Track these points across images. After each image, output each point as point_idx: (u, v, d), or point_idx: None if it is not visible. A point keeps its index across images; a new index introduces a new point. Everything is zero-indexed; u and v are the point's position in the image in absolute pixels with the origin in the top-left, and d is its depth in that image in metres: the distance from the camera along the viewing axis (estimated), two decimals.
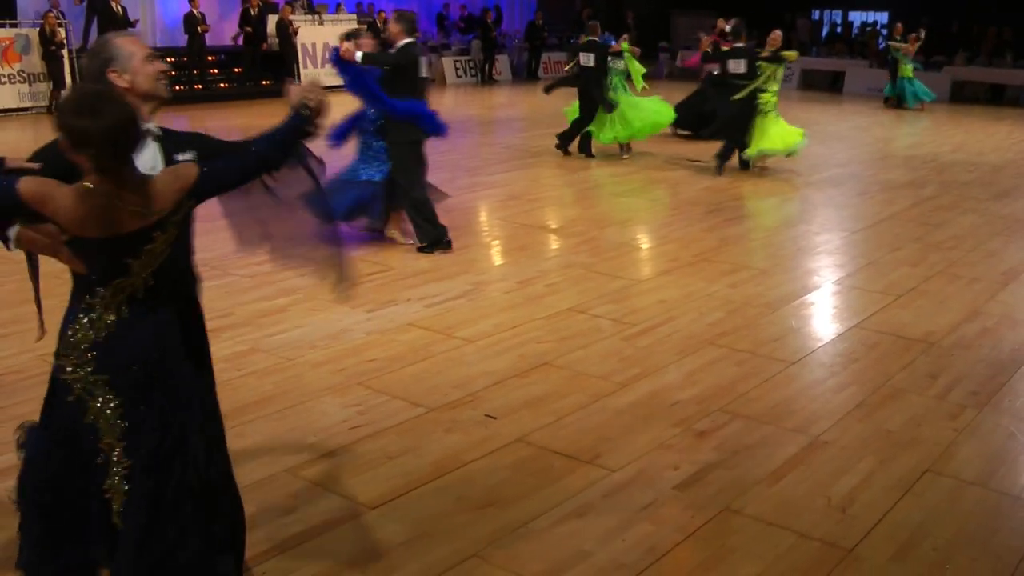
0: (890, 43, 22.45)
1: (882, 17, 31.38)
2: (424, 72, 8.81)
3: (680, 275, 8.15)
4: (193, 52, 20.59)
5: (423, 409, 5.37)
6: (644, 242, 9.27)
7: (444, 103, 21.83)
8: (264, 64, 21.95)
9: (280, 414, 5.27)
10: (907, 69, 21.68)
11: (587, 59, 13.31)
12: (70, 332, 3.10)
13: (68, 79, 18.48)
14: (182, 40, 20.83)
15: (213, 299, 7.10)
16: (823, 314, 7.50)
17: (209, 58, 21.38)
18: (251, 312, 6.94)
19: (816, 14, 33.06)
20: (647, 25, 30.46)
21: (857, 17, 32.29)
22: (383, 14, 23.94)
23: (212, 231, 9.33)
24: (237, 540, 3.48)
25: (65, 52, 18.31)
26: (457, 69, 26.06)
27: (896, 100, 22.27)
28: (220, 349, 6.13)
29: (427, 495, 4.48)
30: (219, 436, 3.54)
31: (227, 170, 3.34)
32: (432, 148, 14.57)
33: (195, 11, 20.22)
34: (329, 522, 4.23)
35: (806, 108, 20.77)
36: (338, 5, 24.50)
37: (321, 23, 23.18)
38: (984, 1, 27.94)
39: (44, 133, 16.02)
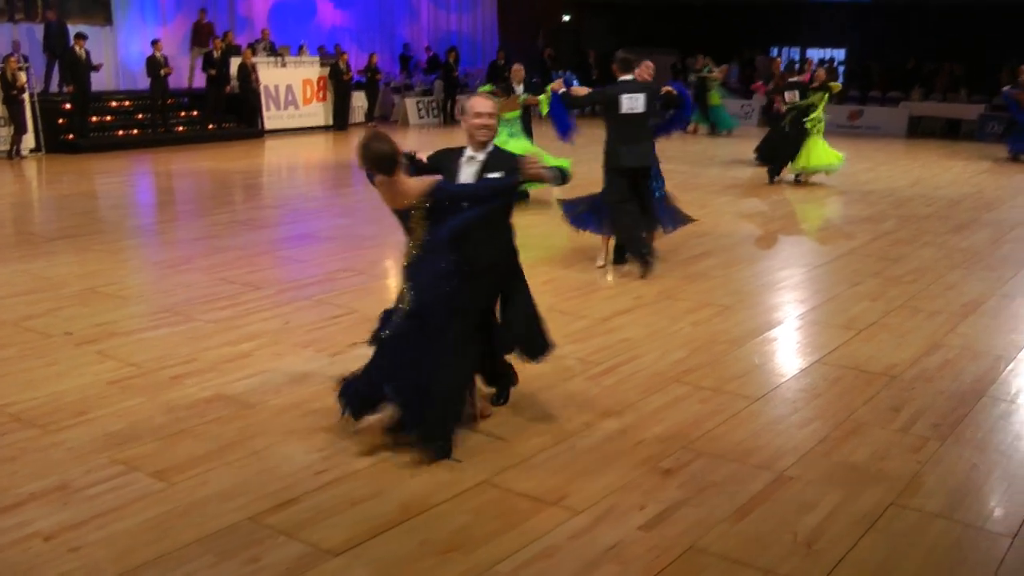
0: (701, 73, 23.81)
1: (839, 54, 31.82)
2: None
3: (644, 313, 8.17)
4: (156, 95, 20.53)
5: (388, 453, 5.34)
6: (607, 281, 9.29)
7: (407, 143, 21.84)
8: (228, 107, 21.92)
9: (243, 461, 5.23)
10: (715, 96, 23.39)
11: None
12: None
13: (29, 123, 18.36)
14: (145, 83, 20.77)
15: (176, 345, 7.11)
16: (786, 350, 7.54)
17: (171, 101, 21.32)
18: (215, 358, 6.89)
19: (774, 51, 33.46)
20: (609, 64, 30.72)
21: (815, 54, 32.68)
22: (346, 56, 23.98)
23: (173, 275, 9.34)
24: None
25: (27, 96, 18.19)
26: (420, 109, 26.14)
27: (711, 127, 23.91)
28: (183, 396, 6.13)
29: (392, 539, 4.46)
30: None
31: (460, 190, 5.35)
32: None
33: (158, 54, 20.19)
34: (293, 570, 4.19)
35: None
36: (300, 47, 24.53)
37: (284, 65, 23.21)
38: (938, 39, 28.44)
39: (4, 178, 15.90)
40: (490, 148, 5.50)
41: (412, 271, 5.28)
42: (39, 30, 20.65)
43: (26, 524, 4.55)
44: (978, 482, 5.23)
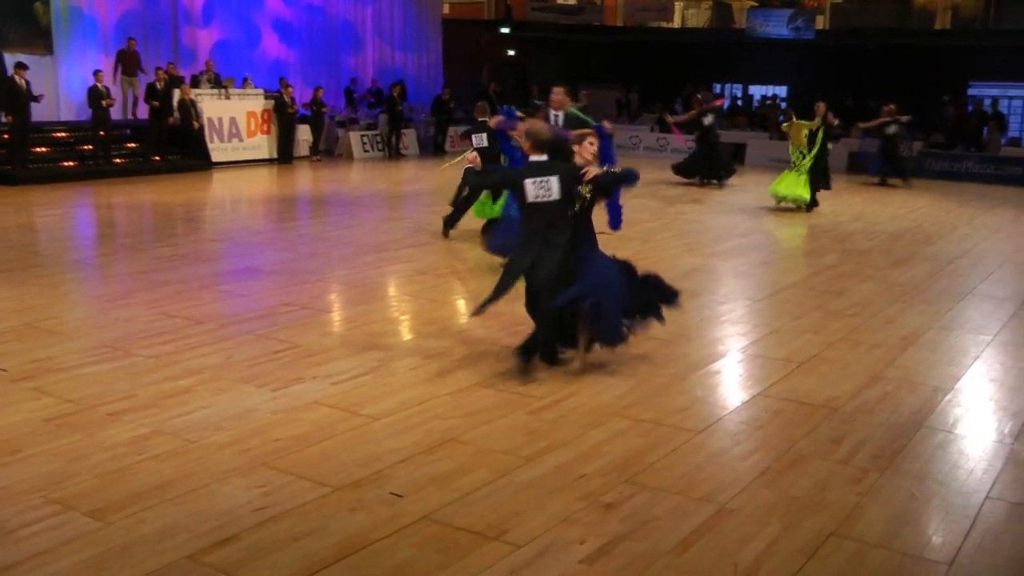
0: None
1: (781, 91, 32.27)
2: None
3: None
4: (98, 126, 20.30)
5: (328, 489, 5.30)
6: None
7: (351, 178, 21.86)
8: (171, 139, 21.72)
9: (182, 498, 5.16)
10: None
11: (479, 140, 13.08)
12: None
13: None
14: (87, 114, 20.55)
15: (115, 380, 7.02)
16: (728, 382, 7.60)
17: (114, 132, 21.08)
18: (154, 393, 6.80)
19: (717, 87, 33.88)
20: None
21: (757, 91, 33.17)
22: (291, 89, 23.87)
23: (112, 309, 9.21)
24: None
25: None
26: (364, 143, 26.09)
27: None
28: (121, 433, 6.04)
29: None
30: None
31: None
32: (338, 224, 14.66)
33: (99, 85, 19.99)
34: None
35: None
36: (245, 79, 24.41)
37: (228, 97, 23.08)
38: (876, 77, 28.95)
39: None
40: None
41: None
42: None
43: None
44: (916, 512, 5.29)
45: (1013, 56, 27.76)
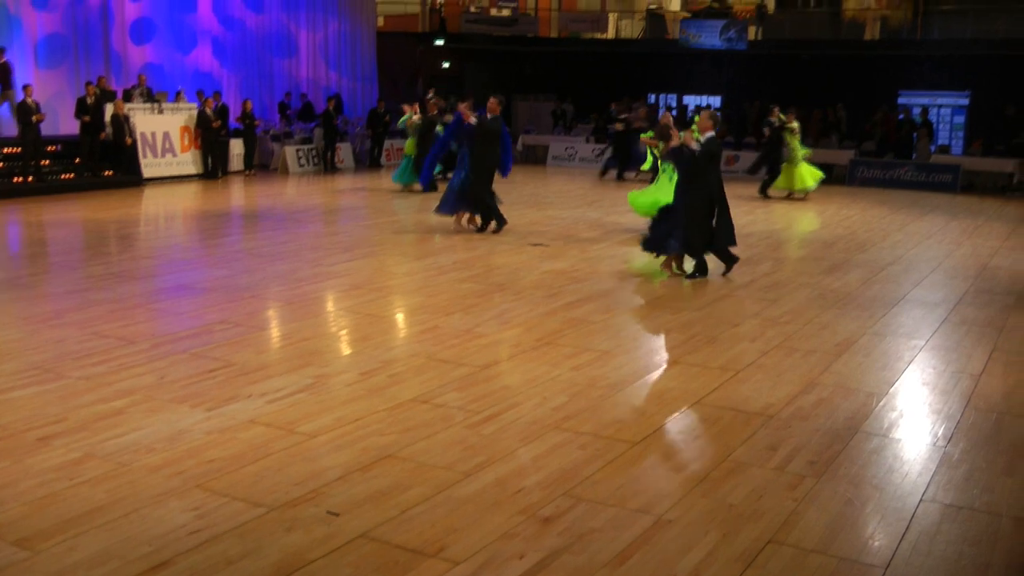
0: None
1: (715, 101, 32.56)
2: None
3: (523, 360, 8.19)
4: (28, 142, 19.89)
5: (264, 509, 5.23)
6: (487, 328, 9.29)
7: (286, 193, 21.68)
8: (103, 154, 21.38)
9: (114, 523, 5.06)
10: (409, 144, 22.32)
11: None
12: None
13: None
14: (15, 130, 20.13)
15: (45, 404, 6.88)
16: (665, 393, 7.61)
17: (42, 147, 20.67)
18: (85, 416, 6.67)
19: (652, 97, 34.14)
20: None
21: (691, 100, 33.44)
22: (210, 101, 23.48)
23: (42, 330, 9.02)
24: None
25: None
26: (300, 158, 25.91)
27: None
28: (51, 458, 5.92)
29: None
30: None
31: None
32: (273, 239, 14.55)
33: (29, 100, 19.63)
34: None
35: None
36: (178, 93, 24.12)
37: (160, 111, 22.80)
38: (812, 86, 29.35)
39: None
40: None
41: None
42: None
43: None
44: (852, 516, 5.34)
45: (940, 66, 28.32)
